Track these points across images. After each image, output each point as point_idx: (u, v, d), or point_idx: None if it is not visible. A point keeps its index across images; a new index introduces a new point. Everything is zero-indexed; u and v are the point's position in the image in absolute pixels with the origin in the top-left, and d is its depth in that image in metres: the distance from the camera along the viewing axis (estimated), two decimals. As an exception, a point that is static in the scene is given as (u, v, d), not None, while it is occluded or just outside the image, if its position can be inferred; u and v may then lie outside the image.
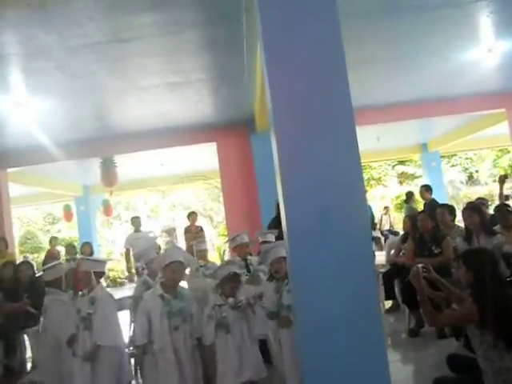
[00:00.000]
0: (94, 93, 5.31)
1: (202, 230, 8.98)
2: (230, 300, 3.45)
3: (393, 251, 6.35)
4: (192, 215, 9.11)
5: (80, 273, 3.74)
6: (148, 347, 3.42)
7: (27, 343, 5.93)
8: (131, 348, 3.95)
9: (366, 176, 18.69)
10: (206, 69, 5.02)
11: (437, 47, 5.24)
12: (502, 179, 6.24)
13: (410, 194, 9.72)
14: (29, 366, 5.69)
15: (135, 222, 8.67)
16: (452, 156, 18.33)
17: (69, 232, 19.11)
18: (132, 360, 4.06)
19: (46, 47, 4.03)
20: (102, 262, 3.94)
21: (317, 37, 2.29)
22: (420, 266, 3.15)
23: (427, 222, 5.02)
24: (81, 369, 3.55)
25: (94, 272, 3.73)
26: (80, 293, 3.85)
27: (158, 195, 16.92)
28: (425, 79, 6.47)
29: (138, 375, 3.93)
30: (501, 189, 6.17)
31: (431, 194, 8.01)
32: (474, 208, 4.62)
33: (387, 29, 4.57)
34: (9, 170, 7.86)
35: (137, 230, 8.50)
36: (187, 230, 8.92)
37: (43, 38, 3.86)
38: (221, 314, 3.42)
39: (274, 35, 2.31)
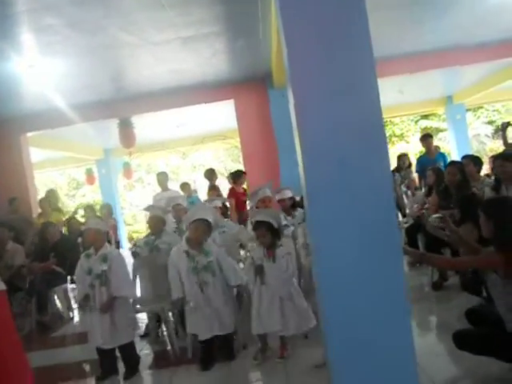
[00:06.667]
0: (107, 50, 5.20)
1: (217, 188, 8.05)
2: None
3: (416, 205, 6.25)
4: (211, 172, 7.95)
5: (91, 231, 3.81)
6: (184, 301, 3.71)
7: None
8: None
9: (387, 133, 18.27)
10: (218, 21, 4.84)
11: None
12: (505, 126, 6.10)
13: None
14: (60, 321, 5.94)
15: (161, 178, 7.51)
16: (478, 109, 17.67)
17: (93, 196, 19.50)
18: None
19: (55, 2, 3.92)
20: (105, 222, 4.11)
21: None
22: (436, 216, 3.12)
23: (455, 174, 4.81)
24: (101, 322, 3.68)
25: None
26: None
27: (178, 157, 16.96)
28: (451, 25, 6.12)
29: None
30: (503, 136, 6.11)
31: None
32: (508, 157, 4.42)
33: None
34: (29, 134, 7.92)
35: (164, 189, 7.38)
36: (212, 188, 7.71)
37: (51, -7, 3.76)
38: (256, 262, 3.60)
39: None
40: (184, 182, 8.38)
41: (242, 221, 6.47)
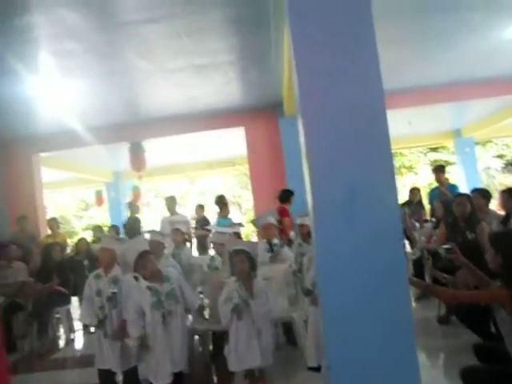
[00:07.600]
0: (123, 75, 5.34)
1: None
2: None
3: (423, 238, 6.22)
4: (221, 198, 7.84)
5: (105, 251, 3.77)
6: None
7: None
8: None
9: (397, 164, 18.28)
10: (232, 50, 4.97)
11: (475, 24, 5.00)
12: None
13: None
14: (61, 342, 5.88)
15: (169, 202, 7.50)
16: (487, 142, 17.70)
17: (101, 218, 19.58)
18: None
19: (76, 28, 4.06)
20: (118, 242, 4.01)
21: (346, 16, 2.20)
22: (445, 246, 3.10)
23: (465, 205, 4.72)
24: (111, 345, 3.61)
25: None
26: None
27: (187, 182, 17.07)
28: (460, 59, 6.21)
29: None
30: None
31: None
32: None
33: (420, 4, 4.39)
34: (41, 154, 8.05)
35: (172, 213, 7.40)
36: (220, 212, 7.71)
37: (73, 19, 3.88)
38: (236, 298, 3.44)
39: (302, 14, 2.22)
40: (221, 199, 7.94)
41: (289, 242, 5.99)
